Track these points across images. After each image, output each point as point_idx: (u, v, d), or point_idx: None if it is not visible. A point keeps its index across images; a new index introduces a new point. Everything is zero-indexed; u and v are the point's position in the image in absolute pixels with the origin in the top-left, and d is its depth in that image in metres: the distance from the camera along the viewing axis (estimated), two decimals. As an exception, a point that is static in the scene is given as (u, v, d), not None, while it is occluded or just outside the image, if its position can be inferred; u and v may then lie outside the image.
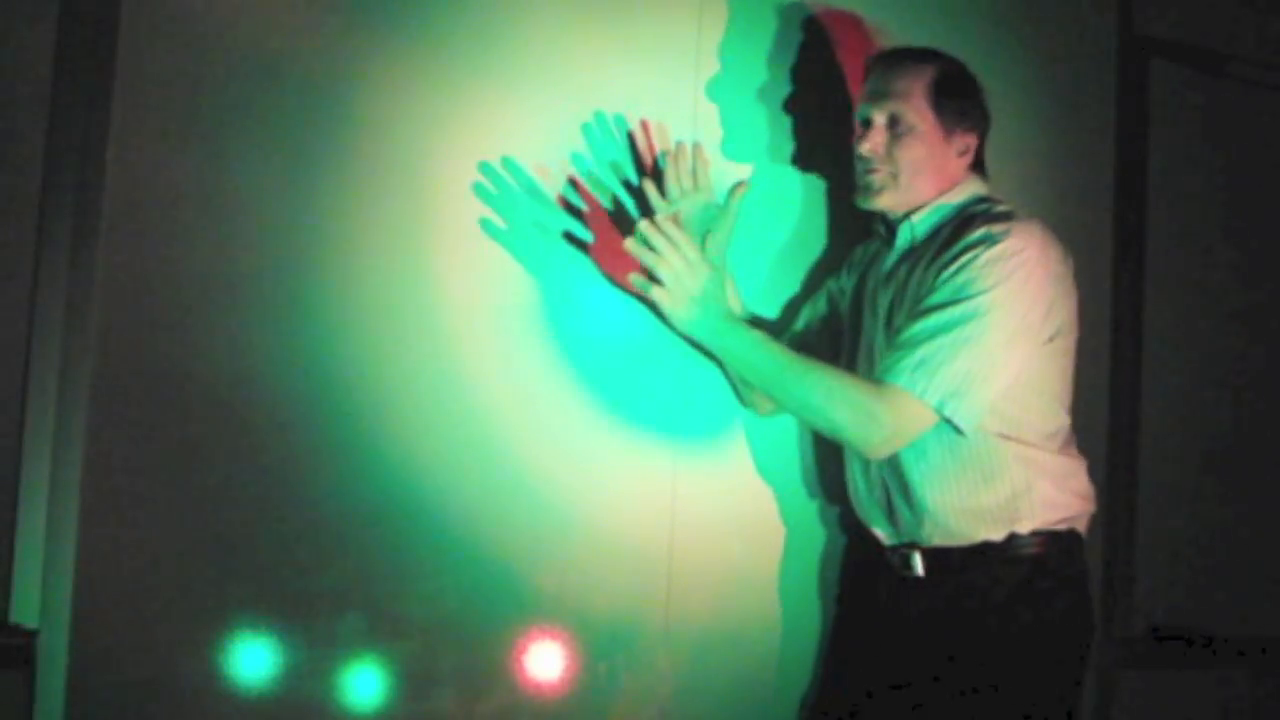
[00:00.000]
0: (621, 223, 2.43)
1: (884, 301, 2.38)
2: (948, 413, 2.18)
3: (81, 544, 1.99)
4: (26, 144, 2.08)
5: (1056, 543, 2.30)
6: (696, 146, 2.43)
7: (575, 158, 2.39)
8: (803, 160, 2.61)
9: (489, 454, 2.29)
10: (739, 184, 2.37)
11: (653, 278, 2.26)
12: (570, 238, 2.38)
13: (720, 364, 2.48)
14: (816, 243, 2.63)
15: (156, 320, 2.05)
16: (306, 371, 2.15)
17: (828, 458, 2.58)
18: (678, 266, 2.24)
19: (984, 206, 2.34)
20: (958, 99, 2.36)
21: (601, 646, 2.38)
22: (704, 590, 2.46)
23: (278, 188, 2.14)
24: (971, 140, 2.38)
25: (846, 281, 2.54)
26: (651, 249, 2.24)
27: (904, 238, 2.38)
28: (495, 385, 2.30)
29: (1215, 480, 3.29)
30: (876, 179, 2.36)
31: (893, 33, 2.69)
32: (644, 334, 2.43)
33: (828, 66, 2.65)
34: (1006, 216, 2.28)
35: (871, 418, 2.18)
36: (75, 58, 2.09)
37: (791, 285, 2.60)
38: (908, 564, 2.36)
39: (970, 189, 2.38)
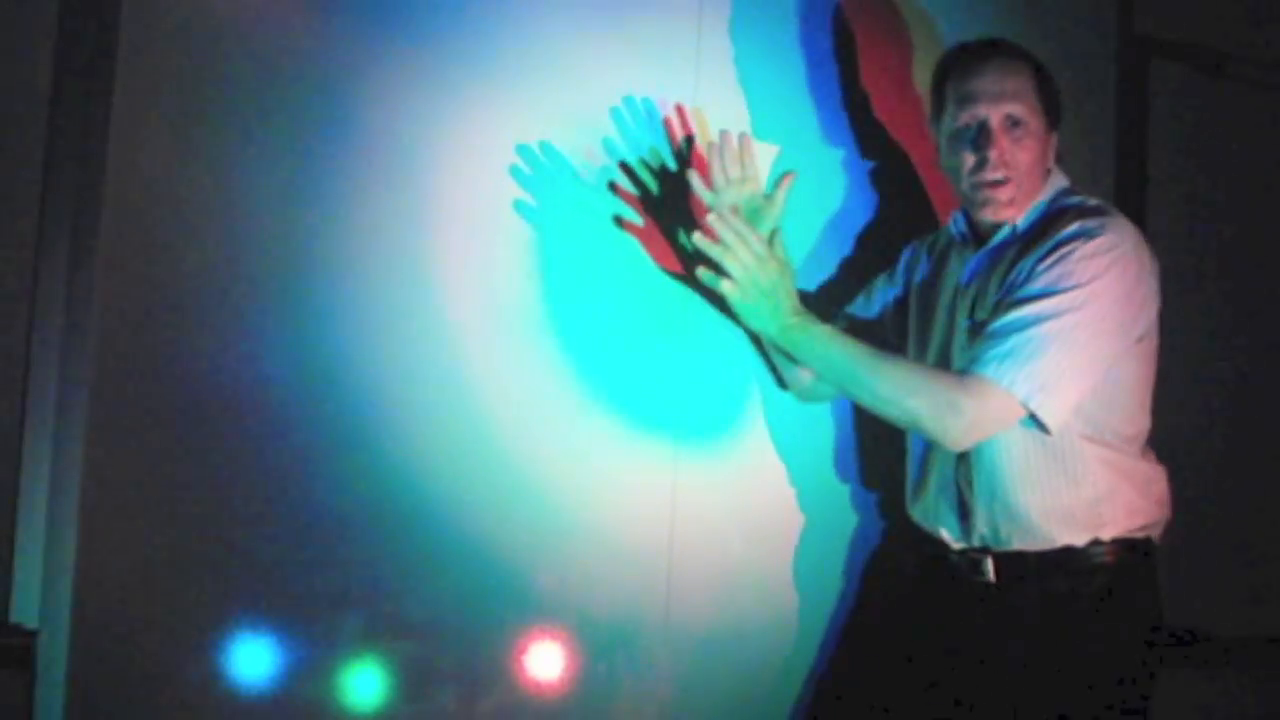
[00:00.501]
0: (659, 210, 2.43)
1: (967, 298, 2.32)
2: (1034, 406, 2.11)
3: (81, 544, 1.99)
4: (26, 144, 2.08)
5: (1134, 551, 2.25)
6: (744, 136, 2.39)
7: (607, 143, 2.40)
8: (808, 155, 2.61)
9: (489, 453, 2.29)
10: (787, 174, 2.35)
11: (721, 271, 2.21)
12: (620, 221, 2.38)
13: (762, 348, 2.48)
14: (820, 236, 2.63)
15: (156, 321, 2.05)
16: (307, 372, 2.15)
17: (866, 449, 2.58)
18: (747, 260, 2.20)
19: (1075, 200, 2.28)
20: (1054, 93, 2.32)
21: (601, 646, 2.38)
22: (705, 589, 2.46)
23: (279, 187, 2.14)
24: (1057, 135, 2.34)
25: (913, 278, 2.48)
26: (720, 243, 2.20)
27: (1003, 235, 2.30)
28: (496, 384, 2.30)
29: (1215, 481, 3.29)
30: (1005, 192, 2.27)
31: (891, 33, 2.69)
32: (644, 332, 2.44)
33: (832, 59, 2.65)
34: (1098, 210, 2.23)
35: (951, 407, 2.12)
36: (75, 57, 2.09)
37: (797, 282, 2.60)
38: (978, 569, 2.29)
39: (1057, 181, 2.33)
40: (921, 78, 2.67)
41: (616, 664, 2.39)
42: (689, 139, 2.46)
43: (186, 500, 2.06)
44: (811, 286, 2.61)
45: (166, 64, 2.06)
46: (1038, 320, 2.11)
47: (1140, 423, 2.29)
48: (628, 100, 2.42)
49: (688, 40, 2.50)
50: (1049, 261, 2.15)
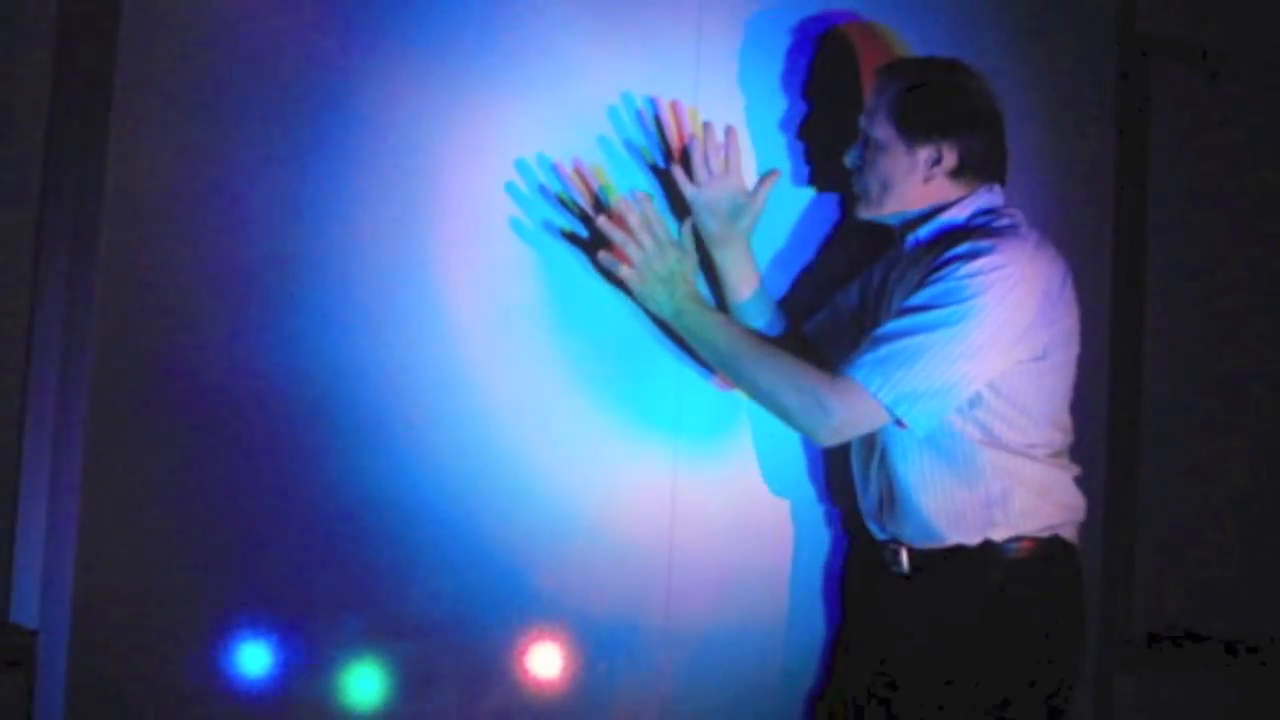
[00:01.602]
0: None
1: (880, 301, 2.40)
2: (899, 413, 2.20)
3: (81, 544, 1.99)
4: (26, 144, 2.09)
5: (1037, 549, 2.29)
6: (729, 130, 2.43)
7: (602, 141, 2.41)
8: (808, 158, 2.61)
9: (489, 453, 2.29)
10: (771, 172, 2.42)
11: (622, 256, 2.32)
12: (573, 236, 2.39)
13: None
14: (816, 235, 2.63)
15: (157, 319, 2.05)
16: (307, 371, 2.15)
17: (835, 457, 2.58)
18: (647, 246, 2.31)
19: (986, 219, 2.31)
20: (923, 111, 2.33)
21: (601, 646, 2.38)
22: (704, 590, 2.46)
23: (279, 186, 2.14)
24: (943, 149, 2.32)
25: (875, 278, 2.53)
26: (625, 228, 2.31)
27: (909, 246, 2.39)
28: (495, 384, 2.30)
29: (1215, 482, 3.30)
30: (855, 191, 2.43)
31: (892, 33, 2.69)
32: (644, 333, 2.43)
33: (829, 66, 2.65)
34: (1001, 232, 2.26)
35: (820, 405, 2.21)
36: (75, 56, 2.09)
37: (785, 287, 2.60)
38: (897, 560, 2.38)
39: (979, 202, 2.34)
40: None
41: (616, 664, 2.39)
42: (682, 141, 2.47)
43: (187, 500, 2.06)
44: (799, 281, 2.62)
45: (166, 64, 2.06)
46: (913, 331, 2.19)
47: (1043, 434, 2.32)
48: (626, 98, 2.42)
49: (688, 40, 2.50)
50: (935, 276, 2.22)
